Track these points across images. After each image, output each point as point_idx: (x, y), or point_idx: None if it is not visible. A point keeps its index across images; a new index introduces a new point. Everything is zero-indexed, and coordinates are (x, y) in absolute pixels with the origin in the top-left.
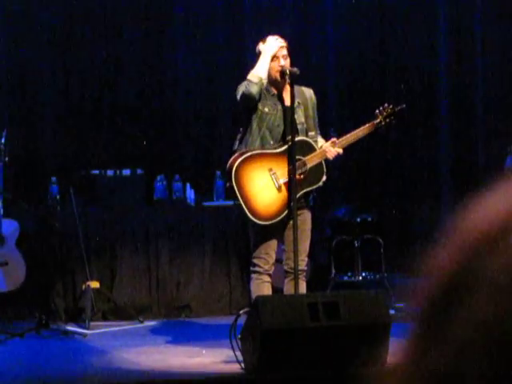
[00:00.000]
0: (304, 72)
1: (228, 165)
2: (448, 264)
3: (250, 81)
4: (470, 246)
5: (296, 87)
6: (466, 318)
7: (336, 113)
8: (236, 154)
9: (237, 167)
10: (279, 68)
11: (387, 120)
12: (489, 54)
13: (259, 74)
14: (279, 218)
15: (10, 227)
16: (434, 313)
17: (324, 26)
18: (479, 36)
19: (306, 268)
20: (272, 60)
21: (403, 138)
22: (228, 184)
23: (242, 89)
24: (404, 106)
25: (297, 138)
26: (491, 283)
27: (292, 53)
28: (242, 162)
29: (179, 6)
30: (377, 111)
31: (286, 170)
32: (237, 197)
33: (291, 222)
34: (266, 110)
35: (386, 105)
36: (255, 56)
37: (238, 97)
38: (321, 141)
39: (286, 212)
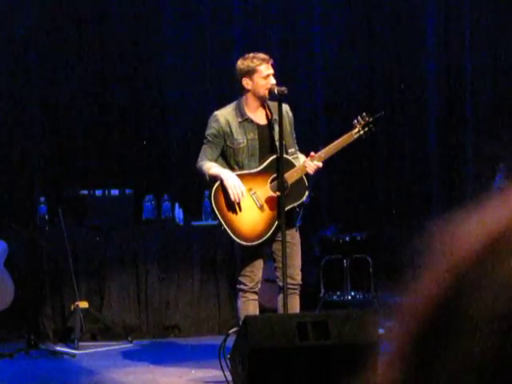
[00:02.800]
0: (292, 87)
1: (209, 190)
2: (435, 289)
3: (203, 174)
4: (458, 270)
5: (272, 103)
6: (453, 348)
7: (324, 127)
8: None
9: (215, 191)
10: (269, 86)
11: (366, 129)
12: (478, 66)
13: (209, 177)
14: (266, 237)
15: None
16: (419, 340)
17: (311, 43)
18: (468, 47)
19: (301, 282)
20: (262, 78)
21: (391, 154)
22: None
23: (198, 168)
24: (383, 113)
25: (274, 156)
26: (479, 313)
27: (279, 69)
28: (220, 185)
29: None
30: (355, 121)
31: (265, 188)
32: (220, 221)
33: (279, 236)
34: (236, 145)
35: (363, 114)
36: (236, 74)
37: (196, 170)
38: (302, 157)
39: (271, 230)
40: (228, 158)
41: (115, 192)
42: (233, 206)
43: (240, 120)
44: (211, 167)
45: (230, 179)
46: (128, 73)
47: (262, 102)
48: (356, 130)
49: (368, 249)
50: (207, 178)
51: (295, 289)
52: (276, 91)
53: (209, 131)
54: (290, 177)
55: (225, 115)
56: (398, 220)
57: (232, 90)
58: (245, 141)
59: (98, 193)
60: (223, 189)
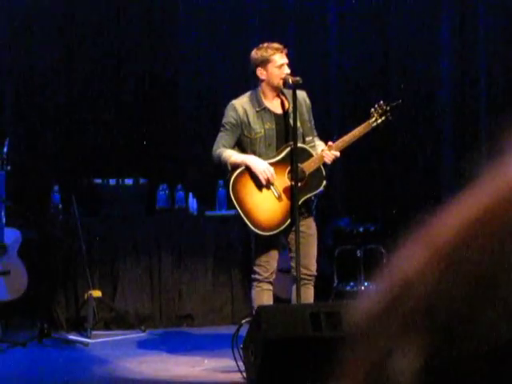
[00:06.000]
0: (306, 76)
1: (226, 179)
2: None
3: (224, 162)
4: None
5: (288, 91)
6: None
7: (339, 116)
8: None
9: (234, 181)
10: (283, 76)
11: (383, 117)
12: (492, 62)
13: (230, 164)
14: (283, 227)
15: (12, 236)
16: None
17: (326, 32)
18: (483, 45)
19: (316, 273)
20: (276, 67)
21: (406, 144)
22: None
23: (215, 156)
24: (400, 101)
25: (291, 146)
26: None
27: (293, 59)
28: (239, 175)
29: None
30: (372, 110)
31: (283, 178)
32: (237, 210)
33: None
34: (253, 135)
35: (381, 102)
36: (250, 64)
37: (213, 158)
38: (320, 144)
39: (289, 220)
40: (245, 148)
41: (129, 181)
42: (251, 196)
43: (257, 109)
44: (232, 155)
45: (259, 164)
46: (142, 63)
47: (278, 92)
48: (373, 118)
49: (382, 239)
50: (228, 166)
51: (310, 279)
52: (290, 81)
53: (226, 119)
54: (308, 166)
55: (242, 104)
56: (412, 211)
57: (247, 81)
58: (262, 130)
59: (112, 182)
60: (251, 175)
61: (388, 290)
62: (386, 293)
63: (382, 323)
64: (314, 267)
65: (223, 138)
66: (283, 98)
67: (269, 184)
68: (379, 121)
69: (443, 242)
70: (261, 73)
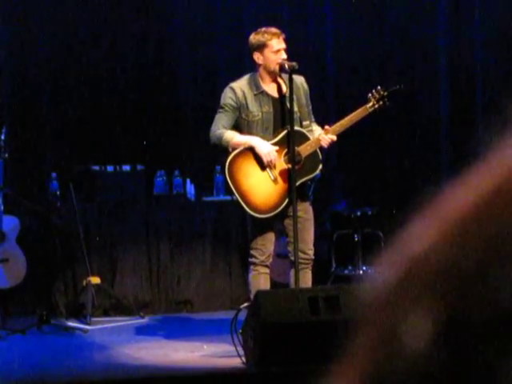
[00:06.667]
0: (303, 60)
1: (223, 161)
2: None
3: (225, 142)
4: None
5: (286, 76)
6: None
7: (336, 101)
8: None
9: (229, 163)
10: (279, 61)
11: (380, 103)
12: (489, 51)
13: (232, 145)
14: (278, 210)
15: (11, 224)
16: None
17: (322, 16)
18: (478, 28)
19: (313, 257)
20: (273, 52)
21: (402, 129)
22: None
23: (215, 137)
24: (397, 87)
25: (288, 129)
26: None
27: (290, 42)
28: (235, 157)
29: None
30: (369, 95)
31: (279, 161)
32: (233, 192)
33: (291, 212)
34: (250, 117)
35: (378, 87)
36: (248, 47)
37: (211, 139)
38: (317, 129)
39: (285, 203)
40: (242, 131)
41: (126, 168)
42: (246, 178)
43: (255, 93)
44: (234, 136)
45: (264, 146)
46: (139, 50)
47: (275, 76)
48: (371, 103)
49: (379, 223)
50: (229, 146)
51: (307, 264)
52: (286, 66)
53: (225, 101)
54: (304, 150)
55: (240, 87)
56: (409, 194)
57: (244, 66)
58: (260, 114)
59: (110, 168)
60: (254, 156)
61: (398, 265)
62: (396, 268)
63: (394, 296)
64: (311, 251)
65: (222, 118)
66: (281, 82)
67: (270, 166)
68: (376, 106)
69: (455, 212)
70: (257, 57)
